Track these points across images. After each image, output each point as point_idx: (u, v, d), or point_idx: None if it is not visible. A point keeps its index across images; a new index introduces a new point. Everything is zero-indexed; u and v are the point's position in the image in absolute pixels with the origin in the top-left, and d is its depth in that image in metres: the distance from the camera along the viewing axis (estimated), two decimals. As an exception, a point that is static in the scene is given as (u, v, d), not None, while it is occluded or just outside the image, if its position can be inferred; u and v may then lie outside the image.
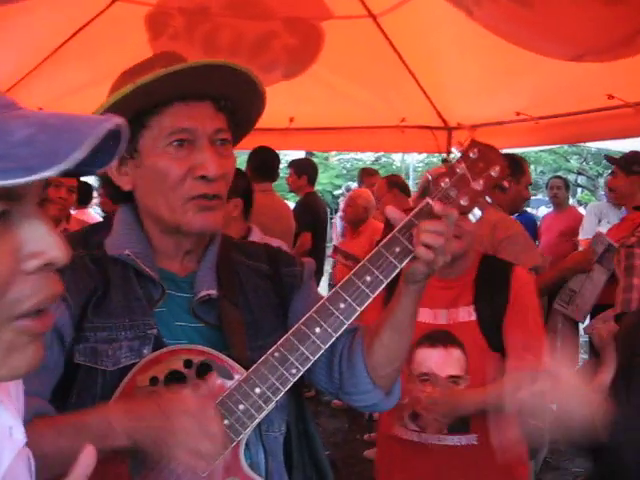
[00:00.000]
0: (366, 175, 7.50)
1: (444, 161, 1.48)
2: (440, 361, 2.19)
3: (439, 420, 2.11)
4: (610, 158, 4.67)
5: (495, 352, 2.15)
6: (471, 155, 1.37)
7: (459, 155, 1.39)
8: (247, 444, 1.35)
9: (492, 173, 1.37)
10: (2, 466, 0.76)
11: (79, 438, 1.14)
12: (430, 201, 1.34)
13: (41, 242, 0.66)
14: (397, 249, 1.32)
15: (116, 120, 0.62)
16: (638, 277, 2.87)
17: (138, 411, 1.19)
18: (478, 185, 1.36)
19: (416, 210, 1.34)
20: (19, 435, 0.80)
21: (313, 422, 1.58)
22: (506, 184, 1.42)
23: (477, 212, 1.40)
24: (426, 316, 2.22)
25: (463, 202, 1.36)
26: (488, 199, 1.40)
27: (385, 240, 1.33)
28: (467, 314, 2.20)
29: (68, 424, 1.19)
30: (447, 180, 1.36)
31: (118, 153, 0.67)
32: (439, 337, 2.21)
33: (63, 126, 0.61)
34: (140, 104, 1.27)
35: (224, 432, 1.20)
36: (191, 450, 1.14)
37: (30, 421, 1.16)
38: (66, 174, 0.70)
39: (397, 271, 1.32)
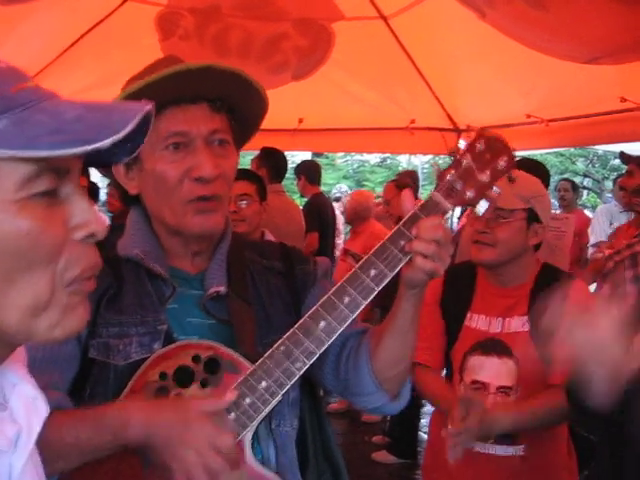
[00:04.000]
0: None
1: (452, 154, 1.45)
2: (493, 371, 2.16)
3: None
4: (626, 156, 4.58)
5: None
6: (478, 146, 1.35)
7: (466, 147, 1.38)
8: (258, 439, 1.37)
9: (499, 164, 1.34)
10: (33, 434, 0.81)
11: (97, 431, 1.19)
12: (435, 194, 1.34)
13: (85, 215, 0.75)
14: (402, 242, 1.31)
15: (149, 106, 0.71)
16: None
17: (158, 415, 1.21)
18: (485, 176, 1.34)
19: (421, 203, 1.34)
20: (42, 406, 0.85)
21: (327, 418, 1.59)
22: (514, 174, 1.40)
23: (483, 204, 1.39)
24: (480, 323, 2.21)
25: (469, 194, 1.34)
26: (496, 190, 1.38)
27: (390, 233, 1.33)
28: (521, 324, 2.17)
29: (88, 416, 1.21)
30: (453, 172, 1.35)
31: (143, 140, 0.74)
32: (493, 346, 2.18)
33: (107, 108, 0.71)
34: None
35: (235, 450, 1.22)
36: (200, 464, 1.16)
37: (50, 413, 1.19)
38: (96, 163, 0.81)
39: (403, 264, 1.31)
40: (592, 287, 3.63)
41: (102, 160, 0.81)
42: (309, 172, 6.34)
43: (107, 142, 0.65)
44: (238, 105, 1.39)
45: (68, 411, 1.23)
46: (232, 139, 1.40)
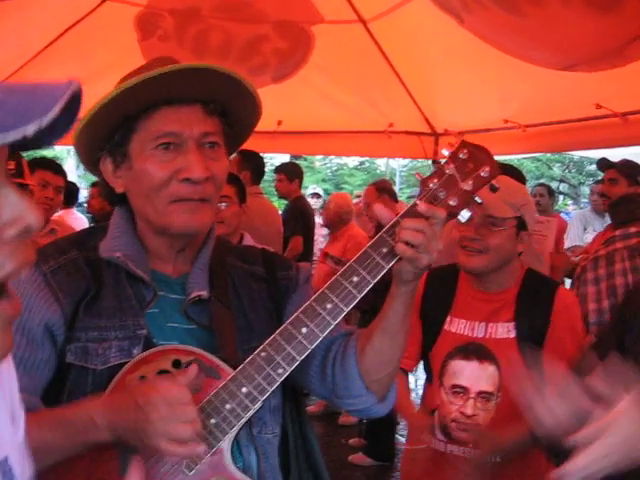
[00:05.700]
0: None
1: (434, 162, 1.46)
2: (473, 375, 2.16)
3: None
4: (606, 162, 4.60)
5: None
6: (460, 156, 1.36)
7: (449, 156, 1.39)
8: (239, 446, 1.36)
9: (482, 174, 1.36)
10: None
11: (63, 432, 1.18)
12: (418, 202, 1.34)
13: (16, 209, 0.65)
14: (384, 249, 1.31)
15: (77, 83, 0.62)
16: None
17: (117, 405, 1.20)
18: (467, 186, 1.35)
19: (404, 211, 1.35)
20: None
21: (311, 426, 1.58)
22: (497, 184, 1.42)
23: (466, 213, 1.40)
24: (462, 327, 2.21)
25: (452, 203, 1.35)
26: (478, 199, 1.39)
27: (372, 241, 1.33)
28: (506, 331, 2.16)
29: (52, 418, 1.20)
30: (435, 181, 1.36)
31: (73, 122, 0.66)
32: (474, 350, 2.17)
33: (31, 90, 0.61)
34: (127, 108, 1.28)
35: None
36: (170, 437, 1.15)
37: None
38: (24, 146, 0.69)
39: (384, 272, 1.32)
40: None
41: (27, 144, 0.72)
42: (302, 176, 6.38)
43: (30, 129, 0.57)
44: (232, 109, 1.38)
45: (33, 415, 1.19)
46: (224, 142, 1.38)
